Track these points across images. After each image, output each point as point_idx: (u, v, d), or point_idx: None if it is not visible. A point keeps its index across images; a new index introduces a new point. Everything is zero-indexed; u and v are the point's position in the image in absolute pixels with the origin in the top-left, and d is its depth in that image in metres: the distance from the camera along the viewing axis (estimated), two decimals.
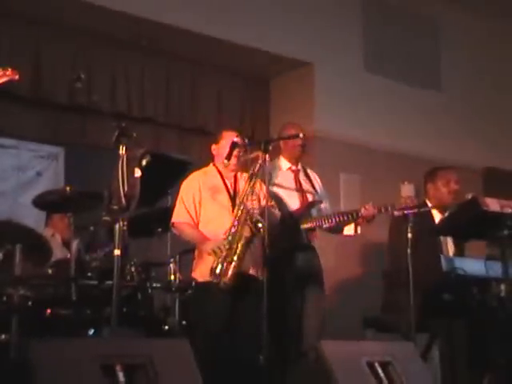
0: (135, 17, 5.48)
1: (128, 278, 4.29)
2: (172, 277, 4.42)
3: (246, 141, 4.06)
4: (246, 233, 3.81)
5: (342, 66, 6.56)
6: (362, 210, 4.19)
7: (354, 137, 6.46)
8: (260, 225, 3.74)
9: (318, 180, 4.65)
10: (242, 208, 3.87)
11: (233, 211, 3.95)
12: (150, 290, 4.44)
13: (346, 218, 4.25)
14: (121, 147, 3.18)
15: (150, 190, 3.71)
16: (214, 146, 4.16)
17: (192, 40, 5.87)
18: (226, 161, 3.97)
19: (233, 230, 3.85)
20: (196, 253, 4.08)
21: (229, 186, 4.08)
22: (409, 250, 3.90)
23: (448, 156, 6.62)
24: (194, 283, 4.06)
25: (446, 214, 4.43)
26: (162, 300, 4.56)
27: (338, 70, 6.52)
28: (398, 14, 6.97)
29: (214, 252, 3.81)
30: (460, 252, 4.42)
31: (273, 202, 4.11)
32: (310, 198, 4.46)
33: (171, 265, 4.49)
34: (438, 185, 4.50)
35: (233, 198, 4.01)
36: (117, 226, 3.13)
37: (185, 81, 6.28)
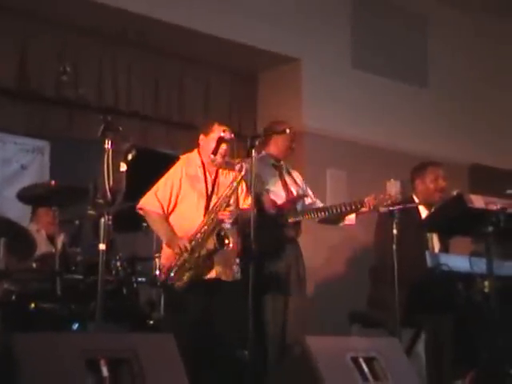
0: (123, 11, 5.45)
1: (113, 272, 4.27)
2: (157, 271, 4.41)
3: (233, 136, 4.04)
4: (210, 245, 3.80)
5: (329, 62, 6.56)
6: (366, 200, 4.21)
7: (341, 133, 6.47)
8: (226, 241, 3.73)
9: (299, 176, 4.67)
10: (212, 217, 3.84)
11: (206, 205, 3.92)
12: (135, 285, 4.43)
13: (349, 208, 4.28)
14: (106, 141, 3.17)
15: (136, 184, 3.70)
16: (202, 137, 4.10)
17: (180, 35, 5.85)
18: (212, 155, 3.95)
19: (198, 235, 3.83)
20: (164, 248, 4.03)
21: (208, 179, 4.03)
22: (394, 246, 3.91)
23: (434, 152, 6.63)
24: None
25: (432, 210, 4.44)
26: (148, 295, 4.55)
27: (325, 66, 6.53)
28: (386, 10, 6.98)
29: (180, 250, 3.80)
30: (445, 248, 4.44)
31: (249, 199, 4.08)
32: (294, 193, 4.47)
33: (156, 259, 4.48)
34: (426, 181, 4.51)
35: (209, 193, 3.97)
36: (102, 221, 3.12)
37: (172, 75, 6.26)
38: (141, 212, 4.06)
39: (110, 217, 3.17)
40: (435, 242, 4.45)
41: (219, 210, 3.84)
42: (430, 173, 4.52)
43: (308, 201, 4.59)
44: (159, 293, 4.38)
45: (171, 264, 3.82)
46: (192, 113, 6.31)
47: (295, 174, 4.64)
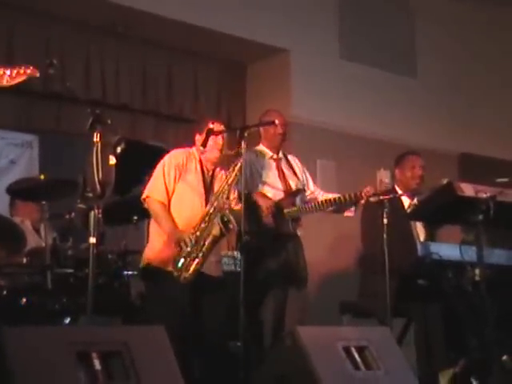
0: (110, 2, 5.42)
1: (104, 265, 4.27)
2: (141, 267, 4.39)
3: (222, 127, 4.03)
4: (215, 231, 3.78)
5: (318, 53, 6.56)
6: (365, 190, 4.23)
7: (331, 123, 6.48)
8: (231, 226, 3.73)
9: (300, 165, 4.66)
10: (215, 205, 3.83)
11: (206, 203, 3.91)
12: (126, 278, 4.43)
13: (347, 200, 4.30)
14: (95, 134, 3.15)
15: (125, 177, 3.70)
16: (198, 137, 4.05)
17: (168, 26, 5.83)
18: (201, 147, 3.94)
19: (202, 225, 3.80)
20: (154, 236, 3.96)
21: (206, 177, 4.01)
22: (385, 236, 3.92)
23: (424, 142, 6.66)
24: (152, 268, 3.91)
25: (419, 199, 4.46)
26: (139, 288, 4.55)
27: (314, 57, 6.52)
28: (374, 0, 6.97)
29: (179, 245, 3.77)
30: (431, 237, 4.46)
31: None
32: (293, 186, 4.48)
33: None
34: (404, 170, 4.55)
35: (208, 190, 3.95)
36: (92, 214, 3.11)
37: (161, 67, 6.24)
38: (145, 201, 3.94)
39: (100, 210, 3.17)
40: (420, 230, 4.46)
41: (222, 197, 3.83)
42: (408, 161, 4.56)
43: (308, 192, 4.59)
44: None
45: (175, 256, 3.78)
46: (180, 105, 6.30)
47: (295, 165, 4.62)
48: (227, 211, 3.77)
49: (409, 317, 4.31)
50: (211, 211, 3.82)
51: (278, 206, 4.32)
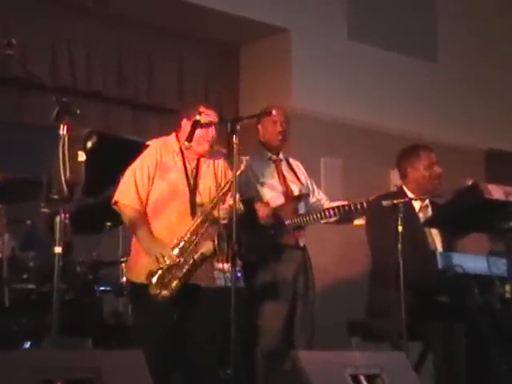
0: None
1: (72, 280, 4.26)
2: (124, 278, 4.40)
3: (210, 120, 4.02)
4: (207, 250, 3.78)
5: (322, 33, 6.57)
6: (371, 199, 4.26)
7: (337, 115, 6.49)
8: (225, 245, 3.72)
9: (303, 171, 4.70)
10: (205, 219, 3.81)
11: (191, 203, 3.89)
12: (98, 294, 4.42)
13: (356, 208, 4.33)
14: (62, 126, 3.14)
15: (97, 176, 3.68)
16: (184, 121, 4.04)
17: (148, 2, 5.84)
18: (186, 143, 3.92)
19: (190, 236, 3.79)
20: (134, 247, 3.98)
21: (189, 171, 4.00)
22: (399, 246, 3.91)
23: (445, 136, 6.69)
24: (130, 284, 3.97)
25: (438, 202, 4.46)
26: (113, 305, 4.55)
27: (318, 38, 6.54)
28: None
29: (158, 259, 3.76)
30: (449, 247, 4.45)
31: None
32: (295, 191, 4.49)
33: (123, 264, 4.47)
34: (419, 168, 4.48)
35: (192, 189, 3.95)
36: (58, 219, 3.10)
37: (139, 49, 6.26)
38: (116, 207, 3.97)
39: (68, 215, 3.16)
40: (436, 239, 4.46)
41: (214, 208, 3.82)
42: (424, 159, 4.50)
43: (313, 199, 4.61)
44: (126, 303, 4.38)
45: (152, 269, 3.78)
46: (163, 93, 6.32)
47: (298, 169, 4.65)
48: (223, 228, 3.77)
49: (427, 340, 4.30)
50: (201, 225, 3.81)
51: (277, 214, 4.32)
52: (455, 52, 7.33)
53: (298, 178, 4.59)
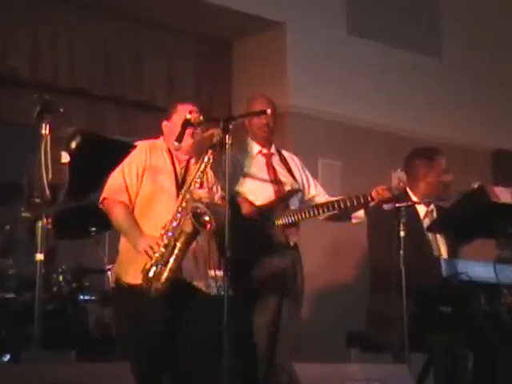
0: None
1: (54, 288, 4.25)
2: (111, 285, 4.39)
3: (202, 118, 4.03)
4: (187, 228, 3.77)
5: (320, 27, 6.57)
6: (374, 194, 4.25)
7: (336, 113, 6.49)
8: (207, 218, 3.71)
9: (299, 163, 4.69)
10: (187, 197, 3.83)
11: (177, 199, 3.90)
12: (82, 304, 4.41)
13: (353, 203, 4.32)
14: (44, 125, 3.14)
15: (82, 179, 3.68)
16: (165, 123, 4.10)
17: None
18: (176, 143, 3.93)
19: (174, 223, 3.80)
20: (123, 247, 3.98)
21: (178, 171, 4.01)
22: (402, 252, 3.92)
23: (450, 136, 6.70)
24: (123, 286, 3.92)
25: (442, 206, 4.47)
26: (98, 315, 4.54)
27: (315, 32, 6.54)
28: None
29: (146, 252, 3.77)
30: (454, 253, 4.46)
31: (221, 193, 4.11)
32: (286, 186, 4.49)
33: (109, 272, 4.46)
34: (431, 173, 4.49)
35: (179, 187, 3.95)
36: (39, 224, 3.09)
37: (127, 43, 6.25)
38: (103, 205, 3.96)
39: (50, 220, 3.15)
40: (441, 245, 4.47)
41: (194, 189, 3.83)
42: (438, 165, 4.50)
43: (308, 195, 4.61)
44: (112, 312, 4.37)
45: (145, 265, 3.78)
46: (151, 90, 6.31)
47: (292, 162, 4.64)
48: (200, 202, 3.76)
49: (430, 351, 4.31)
50: (183, 205, 3.82)
51: (265, 213, 4.32)
52: (460, 48, 7.34)
53: (292, 173, 4.58)
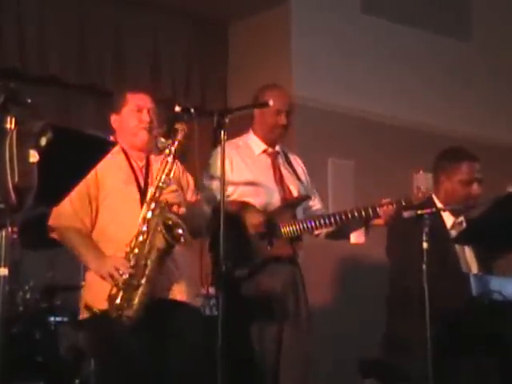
0: None
1: (20, 308, 4.24)
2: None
3: (193, 111, 4.01)
4: (160, 243, 3.75)
5: (330, 5, 6.59)
6: (379, 209, 4.23)
7: (348, 105, 6.50)
8: (180, 231, 3.71)
9: (302, 166, 4.69)
10: (152, 206, 3.81)
11: (141, 206, 3.87)
12: (52, 326, 4.40)
13: (353, 217, 4.30)
14: (8, 119, 3.14)
15: (53, 180, 3.67)
16: (114, 117, 4.08)
17: None
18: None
19: (140, 238, 3.78)
20: (87, 274, 3.98)
21: (137, 171, 3.99)
22: (424, 266, 3.92)
23: (479, 132, 6.72)
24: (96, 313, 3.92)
25: (471, 215, 4.46)
26: (71, 339, 4.53)
27: (324, 11, 6.56)
28: None
29: (112, 276, 3.75)
30: (485, 269, 4.47)
31: (198, 196, 4.10)
32: (294, 192, 4.48)
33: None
34: (455, 179, 4.49)
35: (143, 192, 3.93)
36: (3, 234, 3.09)
37: (106, 26, 6.27)
38: (55, 235, 3.98)
39: (16, 228, 3.14)
40: (470, 259, 4.47)
41: (160, 194, 3.82)
42: (465, 172, 4.50)
43: (311, 203, 4.61)
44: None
45: (111, 291, 3.77)
46: (134, 79, 6.31)
47: (296, 164, 4.65)
48: (170, 211, 3.75)
49: (457, 381, 4.31)
50: (149, 217, 3.80)
51: (271, 222, 4.31)
52: (493, 26, 7.35)
53: (298, 176, 4.58)
